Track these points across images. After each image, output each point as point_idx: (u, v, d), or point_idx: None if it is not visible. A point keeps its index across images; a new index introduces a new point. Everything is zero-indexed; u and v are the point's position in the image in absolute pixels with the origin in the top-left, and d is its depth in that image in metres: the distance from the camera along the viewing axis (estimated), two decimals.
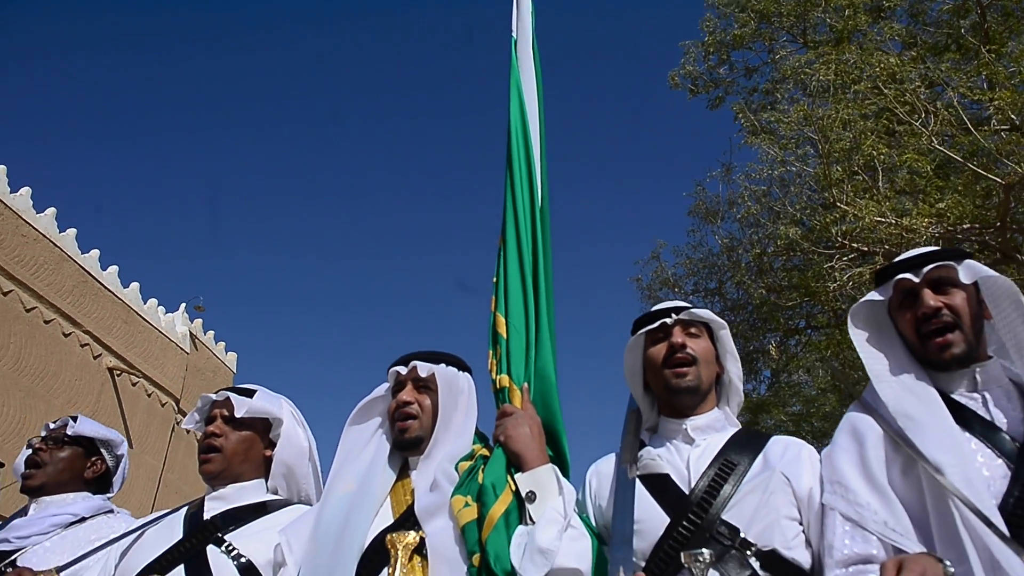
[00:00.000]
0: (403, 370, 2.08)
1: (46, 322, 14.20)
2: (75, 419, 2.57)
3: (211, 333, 19.02)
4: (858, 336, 1.78)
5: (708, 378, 1.91)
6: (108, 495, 2.58)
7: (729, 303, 11.78)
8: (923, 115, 8.76)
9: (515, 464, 1.82)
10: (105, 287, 15.79)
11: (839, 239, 8.06)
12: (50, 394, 14.01)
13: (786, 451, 1.79)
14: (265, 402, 2.28)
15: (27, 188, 14.25)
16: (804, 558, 1.63)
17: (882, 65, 9.26)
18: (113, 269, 16.06)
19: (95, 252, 15.61)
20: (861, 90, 9.27)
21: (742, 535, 1.65)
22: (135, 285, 16.71)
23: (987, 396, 1.65)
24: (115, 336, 15.81)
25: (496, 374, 2.09)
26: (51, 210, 14.90)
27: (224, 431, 2.22)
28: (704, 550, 1.53)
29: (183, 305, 18.24)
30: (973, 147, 8.73)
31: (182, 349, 17.64)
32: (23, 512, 2.42)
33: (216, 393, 2.30)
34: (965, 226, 8.45)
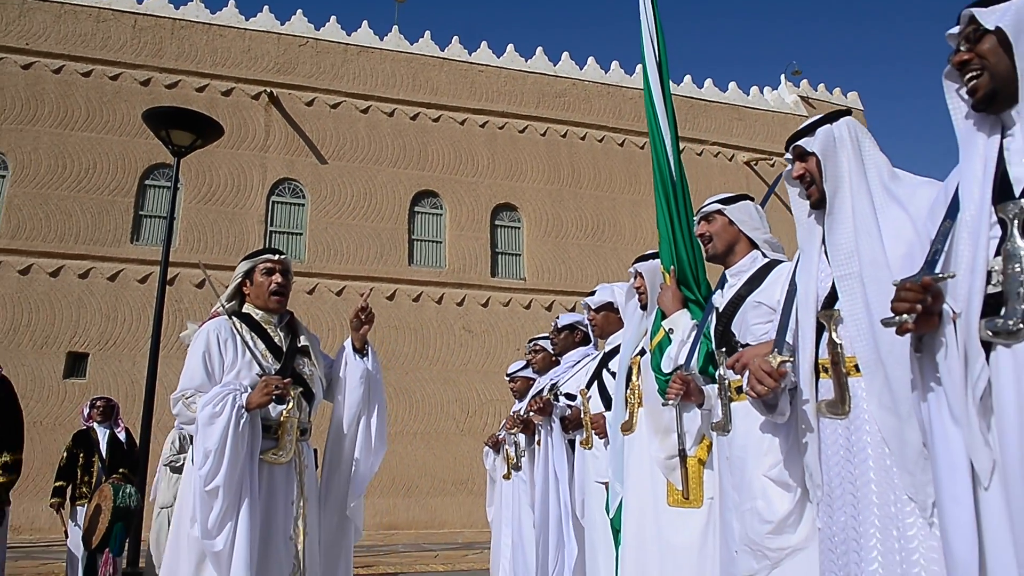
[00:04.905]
0: (632, 271, 3.77)
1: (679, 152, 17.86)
2: (559, 318, 5.05)
3: (821, 86, 19.97)
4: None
5: (724, 243, 3.02)
6: (589, 346, 4.98)
7: None
8: None
9: (665, 315, 3.34)
10: (710, 101, 18.62)
11: None
12: None
13: (770, 276, 2.84)
14: (601, 296, 4.29)
15: (615, 61, 17.94)
16: None
17: None
18: (708, 82, 18.74)
19: (687, 77, 18.55)
20: None
21: (736, 338, 2.85)
22: (732, 84, 19.06)
23: None
24: (736, 135, 18.59)
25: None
26: (614, 63, 18.20)
27: (593, 316, 4.34)
28: (724, 349, 2.90)
29: (782, 77, 19.82)
30: None
31: (798, 115, 19.32)
32: (557, 363, 5.09)
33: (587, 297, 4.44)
34: None
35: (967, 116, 2.00)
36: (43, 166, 14.14)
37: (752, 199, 3.28)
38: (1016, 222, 1.77)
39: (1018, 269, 1.73)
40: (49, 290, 13.71)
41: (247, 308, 3.32)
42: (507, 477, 5.36)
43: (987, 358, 1.77)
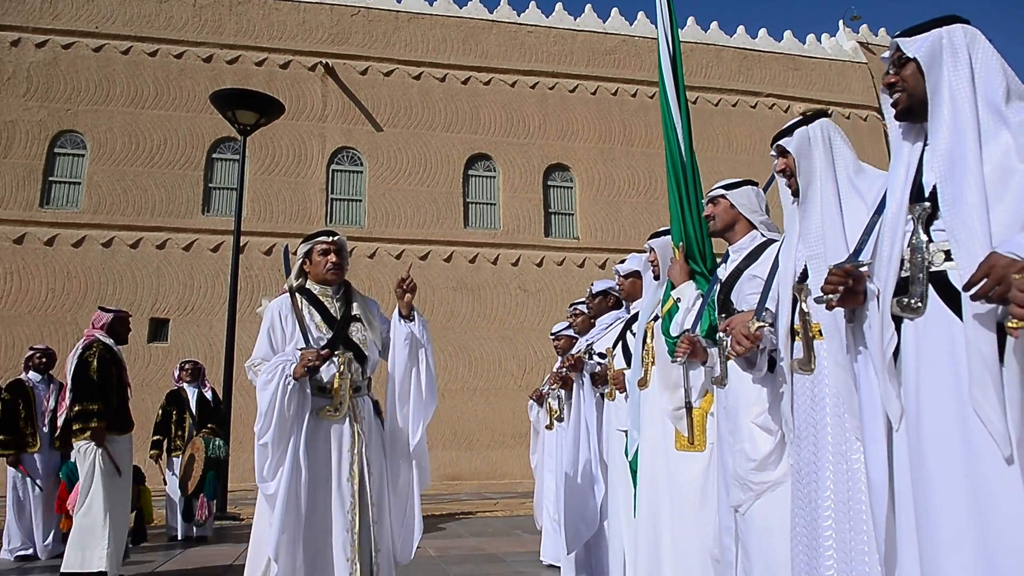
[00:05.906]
0: (647, 246, 4.28)
1: (732, 106, 17.92)
2: (593, 285, 5.58)
3: (882, 31, 19.55)
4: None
5: (723, 223, 3.47)
6: (621, 309, 5.50)
7: None
8: None
9: (674, 285, 3.85)
10: (764, 51, 18.48)
11: None
12: (757, 159, 17.78)
13: (765, 253, 3.30)
14: (629, 264, 4.79)
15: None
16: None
17: None
18: (762, 32, 18.57)
19: (740, 28, 18.42)
20: None
21: (734, 305, 3.35)
22: (787, 33, 18.84)
23: None
24: (792, 86, 18.43)
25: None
26: (690, 18, 18.19)
27: (622, 282, 4.86)
28: (723, 315, 3.40)
29: (840, 23, 19.46)
30: None
31: (858, 62, 19.00)
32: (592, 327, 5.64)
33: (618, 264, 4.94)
34: None
35: (898, 126, 2.41)
36: (118, 144, 15.18)
37: (756, 184, 3.73)
38: (920, 220, 2.25)
39: (920, 259, 2.20)
40: (130, 261, 14.85)
41: (309, 284, 3.85)
42: (550, 427, 5.98)
43: (899, 329, 2.26)
